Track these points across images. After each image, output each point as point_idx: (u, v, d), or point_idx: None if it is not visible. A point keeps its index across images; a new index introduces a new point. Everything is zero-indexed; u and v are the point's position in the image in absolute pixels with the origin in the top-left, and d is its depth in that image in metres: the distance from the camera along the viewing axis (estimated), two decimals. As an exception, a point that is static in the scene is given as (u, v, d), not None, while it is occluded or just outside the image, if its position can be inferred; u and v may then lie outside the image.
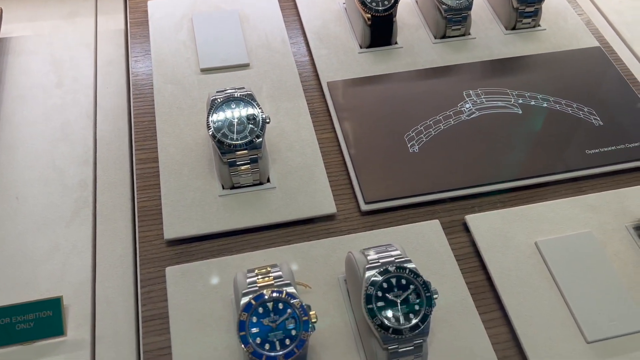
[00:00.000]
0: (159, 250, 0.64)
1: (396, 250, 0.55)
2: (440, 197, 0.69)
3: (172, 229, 0.64)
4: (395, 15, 0.81)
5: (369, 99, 0.77)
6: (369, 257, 0.54)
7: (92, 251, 0.66)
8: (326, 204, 0.67)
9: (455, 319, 0.58)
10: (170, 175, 0.69)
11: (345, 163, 0.71)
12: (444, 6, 0.82)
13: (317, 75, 0.81)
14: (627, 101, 0.78)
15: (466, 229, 0.66)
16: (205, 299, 0.59)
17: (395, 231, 0.65)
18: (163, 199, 0.66)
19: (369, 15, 0.80)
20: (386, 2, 0.80)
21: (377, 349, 0.52)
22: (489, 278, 0.62)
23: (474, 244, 0.65)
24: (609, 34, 0.95)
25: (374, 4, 0.80)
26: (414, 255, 0.63)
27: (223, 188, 0.67)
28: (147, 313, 0.59)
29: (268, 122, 0.65)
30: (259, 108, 0.65)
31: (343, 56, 0.83)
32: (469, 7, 0.82)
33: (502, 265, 0.63)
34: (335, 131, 0.75)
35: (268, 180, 0.68)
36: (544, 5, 0.91)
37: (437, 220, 0.66)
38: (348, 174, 0.71)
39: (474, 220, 0.66)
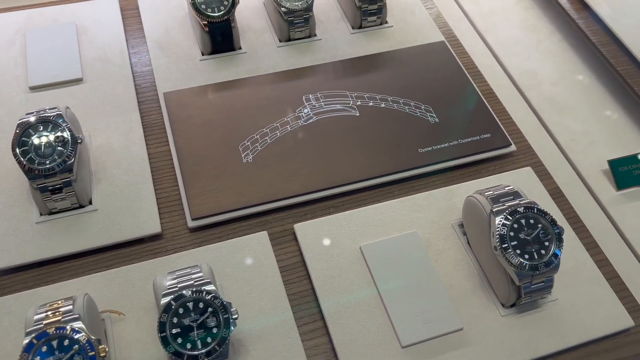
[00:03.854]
0: (-32, 287, 0.60)
1: (199, 272, 0.54)
2: (272, 207, 0.68)
3: (-19, 262, 0.61)
4: (234, 20, 0.79)
5: (207, 109, 0.75)
6: (167, 283, 0.53)
7: None
8: (151, 224, 0.65)
9: (272, 334, 0.58)
10: (-15, 204, 0.65)
11: (177, 178, 0.70)
12: (283, 9, 0.80)
13: (156, 86, 0.79)
14: (464, 96, 0.79)
15: (296, 238, 0.66)
16: (10, 335, 0.56)
17: (223, 246, 0.64)
18: (-26, 231, 0.63)
19: (205, 22, 0.78)
20: (222, 8, 0.78)
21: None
22: (313, 287, 0.62)
23: (302, 253, 0.64)
24: (464, 25, 0.96)
25: (209, 10, 0.78)
26: (238, 270, 0.62)
27: (41, 214, 0.64)
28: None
29: (80, 142, 0.62)
30: (68, 129, 0.62)
31: (184, 65, 0.80)
32: (309, 9, 0.81)
33: (326, 272, 0.62)
34: (169, 144, 0.72)
35: (90, 202, 0.66)
36: (393, 1, 0.91)
37: (265, 232, 0.65)
38: (179, 189, 0.69)
39: (302, 228, 0.66)
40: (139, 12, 0.87)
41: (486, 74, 0.88)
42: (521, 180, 0.71)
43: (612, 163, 0.77)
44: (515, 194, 0.60)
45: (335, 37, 0.85)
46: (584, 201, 0.75)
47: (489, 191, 0.61)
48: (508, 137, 0.75)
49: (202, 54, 0.82)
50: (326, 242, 0.64)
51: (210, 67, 0.80)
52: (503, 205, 0.58)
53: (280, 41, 0.84)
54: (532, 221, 0.58)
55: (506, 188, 0.61)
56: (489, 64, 0.91)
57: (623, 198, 0.76)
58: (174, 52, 0.82)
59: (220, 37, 0.80)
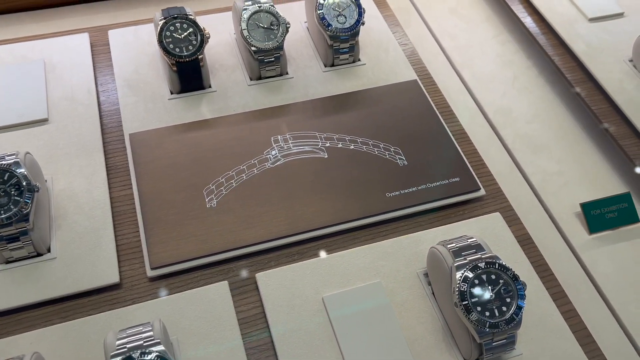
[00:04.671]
0: None
1: (149, 331, 0.52)
2: (235, 254, 0.66)
3: None
4: (203, 59, 0.79)
5: (172, 150, 0.74)
6: (116, 342, 0.51)
7: None
8: (109, 273, 0.64)
9: (227, 391, 0.56)
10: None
11: (138, 223, 0.68)
12: (253, 48, 0.79)
13: (122, 127, 0.78)
14: (433, 138, 0.78)
15: (258, 287, 0.64)
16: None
17: (181, 297, 0.62)
18: None
19: (173, 61, 0.77)
20: (190, 47, 0.77)
21: None
22: (273, 341, 0.61)
23: (263, 304, 0.63)
24: (440, 60, 0.96)
25: (177, 49, 0.77)
26: (196, 323, 0.61)
27: (-3, 263, 0.63)
28: None
29: (37, 191, 0.61)
30: (25, 177, 0.61)
31: (151, 104, 0.79)
32: (280, 48, 0.81)
33: (286, 325, 0.61)
34: (132, 188, 0.71)
35: (48, 250, 0.65)
36: (367, 37, 0.90)
37: (226, 282, 0.64)
38: (140, 235, 0.67)
39: (264, 278, 0.64)
40: (110, 49, 0.86)
41: (460, 111, 0.87)
42: (489, 227, 0.70)
43: (584, 206, 0.76)
44: (478, 247, 0.59)
45: (307, 76, 0.85)
46: (554, 246, 0.74)
47: (452, 243, 0.60)
48: (477, 181, 0.74)
49: (171, 93, 0.81)
50: (288, 292, 0.63)
51: (179, 106, 0.79)
52: (465, 259, 0.57)
53: (251, 79, 0.83)
54: (493, 277, 0.57)
55: (469, 240, 0.60)
56: (464, 100, 0.90)
57: (595, 242, 0.75)
58: (143, 91, 0.81)
59: (188, 76, 0.79)
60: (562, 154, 0.84)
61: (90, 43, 0.87)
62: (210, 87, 0.82)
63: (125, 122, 0.77)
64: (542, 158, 0.83)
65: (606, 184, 0.81)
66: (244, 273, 0.66)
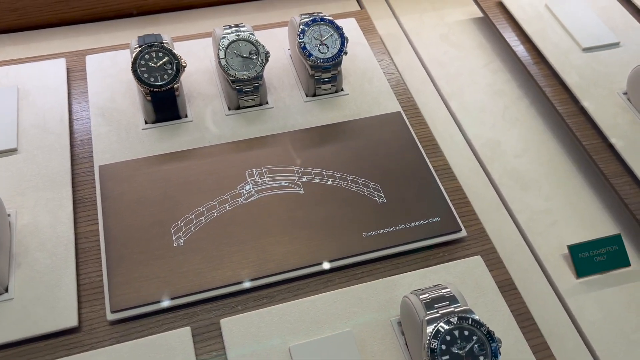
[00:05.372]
0: None
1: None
2: (200, 297, 0.63)
3: None
4: (178, 89, 0.76)
5: (142, 184, 0.71)
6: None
7: None
8: (68, 316, 0.61)
9: None
10: None
11: (102, 262, 0.66)
12: (230, 77, 0.77)
13: (93, 158, 0.75)
14: (415, 174, 0.75)
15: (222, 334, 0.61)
16: None
17: (141, 344, 0.60)
18: None
19: (147, 91, 0.75)
20: (166, 76, 0.75)
21: None
22: (234, 393, 0.58)
23: (226, 353, 0.60)
24: (428, 89, 0.93)
25: (151, 78, 0.75)
26: (153, 373, 0.57)
27: (-49, 304, 0.61)
28: None
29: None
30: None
31: (125, 134, 0.77)
32: (259, 77, 0.78)
33: (249, 377, 0.58)
34: (98, 223, 0.69)
35: (6, 290, 0.62)
36: (351, 66, 0.88)
37: (188, 328, 0.61)
38: (103, 275, 0.65)
39: (228, 324, 0.61)
40: (86, 75, 0.84)
41: (446, 144, 0.84)
42: (469, 271, 0.67)
43: (572, 249, 0.72)
44: (452, 299, 0.56)
45: (288, 106, 0.82)
46: (539, 290, 0.71)
47: (425, 293, 0.56)
48: (459, 221, 0.71)
49: (146, 122, 0.78)
50: (253, 340, 0.60)
51: (153, 136, 0.77)
52: (437, 312, 0.54)
53: (229, 109, 0.81)
54: (466, 333, 0.53)
55: (443, 291, 0.57)
56: (451, 132, 0.87)
57: (582, 287, 0.71)
58: (116, 120, 0.78)
59: (163, 106, 0.77)
60: (552, 191, 0.81)
61: (67, 68, 0.85)
62: (186, 116, 0.79)
63: (96, 152, 0.75)
64: (530, 195, 0.80)
65: (597, 223, 0.77)
66: (209, 318, 0.63)
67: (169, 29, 0.99)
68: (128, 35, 0.96)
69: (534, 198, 0.80)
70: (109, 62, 0.85)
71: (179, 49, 0.87)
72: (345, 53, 0.80)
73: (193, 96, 0.82)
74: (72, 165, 0.74)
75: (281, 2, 1.06)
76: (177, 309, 0.63)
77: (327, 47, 0.80)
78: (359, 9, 1.05)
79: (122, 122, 0.78)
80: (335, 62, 0.79)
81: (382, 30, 1.01)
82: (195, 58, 0.86)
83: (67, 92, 0.82)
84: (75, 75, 0.85)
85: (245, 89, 0.78)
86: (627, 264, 0.73)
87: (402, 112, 0.82)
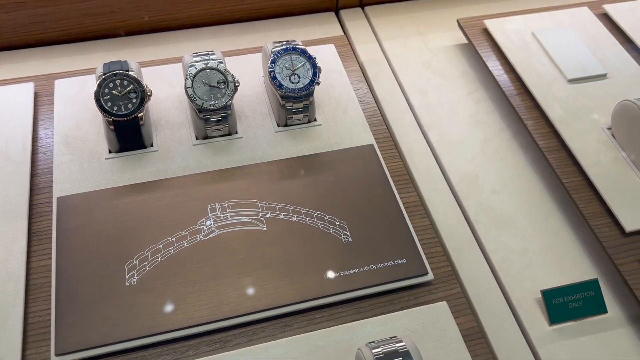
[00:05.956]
0: None
1: None
2: (151, 341, 0.61)
3: None
4: (143, 118, 0.74)
5: (99, 217, 0.69)
6: None
7: None
8: (11, 358, 0.59)
9: None
10: None
11: (51, 300, 0.63)
12: (197, 107, 0.75)
13: (52, 188, 0.73)
14: (383, 211, 0.72)
15: (171, 380, 0.59)
16: None
17: (84, 390, 0.57)
18: None
19: (110, 120, 0.73)
20: (130, 105, 0.73)
21: None
22: None
23: (172, 401, 0.58)
24: (407, 119, 0.90)
25: (115, 107, 0.73)
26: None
27: None
28: None
29: None
30: None
31: (87, 163, 0.75)
32: (227, 107, 0.76)
33: None
34: (52, 259, 0.67)
35: (-51, 330, 0.60)
36: (326, 95, 0.86)
37: (135, 375, 0.59)
38: (51, 314, 0.63)
39: (176, 371, 0.59)
40: (54, 100, 0.82)
41: (422, 178, 0.82)
42: (433, 318, 0.64)
43: (545, 293, 0.69)
44: (405, 355, 0.53)
45: (258, 136, 0.80)
46: (508, 337, 0.67)
47: (379, 347, 0.54)
48: (426, 263, 0.68)
49: (110, 152, 0.76)
50: (200, 389, 0.58)
51: (115, 167, 0.75)
52: (387, 370, 0.51)
53: (197, 138, 0.79)
54: (417, 393, 0.50)
55: (398, 345, 0.54)
56: (428, 165, 0.84)
57: (555, 335, 0.68)
58: (80, 149, 0.76)
59: (126, 136, 0.75)
60: (529, 230, 0.77)
61: (36, 92, 0.83)
62: (152, 145, 0.77)
63: (56, 183, 0.73)
64: (505, 234, 0.77)
65: (574, 266, 0.74)
66: (160, 362, 0.60)
67: (147, 51, 0.97)
68: (103, 57, 0.94)
69: (510, 237, 0.77)
70: (78, 87, 0.83)
71: (151, 73, 0.86)
72: (318, 83, 0.78)
73: (161, 124, 0.80)
74: (31, 196, 0.72)
75: (263, 25, 1.04)
76: (125, 352, 0.61)
77: (299, 77, 0.77)
78: (342, 32, 1.03)
79: (85, 151, 0.76)
80: (306, 92, 0.77)
81: (364, 56, 0.99)
82: (166, 84, 0.84)
83: (33, 118, 0.80)
84: (44, 100, 0.83)
85: (212, 118, 0.76)
86: (604, 310, 0.70)
87: (375, 144, 0.80)
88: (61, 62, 0.93)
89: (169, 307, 0.62)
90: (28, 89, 0.83)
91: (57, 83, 0.84)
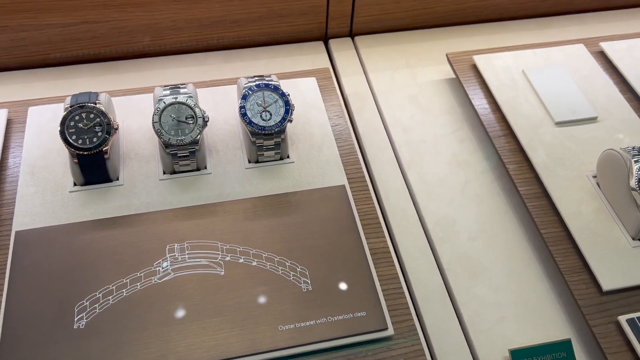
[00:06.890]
0: None
1: None
2: (93, 388, 0.59)
3: None
4: (108, 152, 0.73)
5: (55, 254, 0.68)
6: None
7: None
8: (-54, 402, 0.57)
9: None
10: None
11: (-3, 341, 0.62)
12: (163, 141, 0.73)
13: (12, 221, 0.72)
14: (348, 258, 0.69)
15: None
16: None
17: None
18: None
19: (74, 153, 0.72)
20: (95, 139, 0.72)
21: None
22: None
23: None
24: (385, 157, 0.87)
25: (79, 140, 0.71)
26: None
27: None
28: None
29: None
30: None
31: (50, 196, 0.73)
32: (195, 142, 0.74)
33: None
34: (3, 297, 0.65)
35: None
36: (302, 131, 0.83)
37: None
38: (-5, 356, 0.61)
39: None
40: (25, 127, 0.81)
41: (396, 220, 0.79)
42: (389, 378, 0.61)
43: (513, 353, 0.66)
44: None
45: (227, 172, 0.78)
46: (472, 401, 0.64)
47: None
48: (387, 317, 0.65)
49: (75, 184, 0.75)
50: None
51: (78, 201, 0.73)
52: None
53: (164, 173, 0.77)
54: None
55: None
56: (404, 207, 0.81)
57: (522, 399, 0.64)
58: (45, 180, 0.75)
59: (91, 170, 0.73)
60: (504, 282, 0.74)
61: (9, 119, 0.82)
62: (117, 179, 0.76)
63: (17, 216, 0.72)
64: (479, 285, 0.73)
65: (548, 323, 0.71)
66: (100, 412, 0.58)
67: (128, 78, 0.96)
68: (82, 83, 0.94)
69: (484, 288, 0.73)
70: (51, 115, 0.82)
71: (127, 103, 0.85)
72: (290, 121, 0.76)
73: (130, 157, 0.78)
74: (-5, 228, 0.71)
75: (249, 53, 1.03)
76: (66, 400, 0.59)
77: (270, 114, 0.75)
78: (329, 63, 1.01)
79: (50, 183, 0.75)
80: (277, 130, 0.75)
81: (348, 89, 0.97)
82: (140, 114, 0.83)
83: (3, 145, 0.79)
84: (16, 127, 0.82)
85: (180, 154, 0.75)
86: (576, 374, 0.66)
87: (347, 185, 0.77)
88: (39, 87, 0.92)
89: (114, 354, 0.60)
90: (1, 115, 0.82)
91: (30, 110, 0.83)
